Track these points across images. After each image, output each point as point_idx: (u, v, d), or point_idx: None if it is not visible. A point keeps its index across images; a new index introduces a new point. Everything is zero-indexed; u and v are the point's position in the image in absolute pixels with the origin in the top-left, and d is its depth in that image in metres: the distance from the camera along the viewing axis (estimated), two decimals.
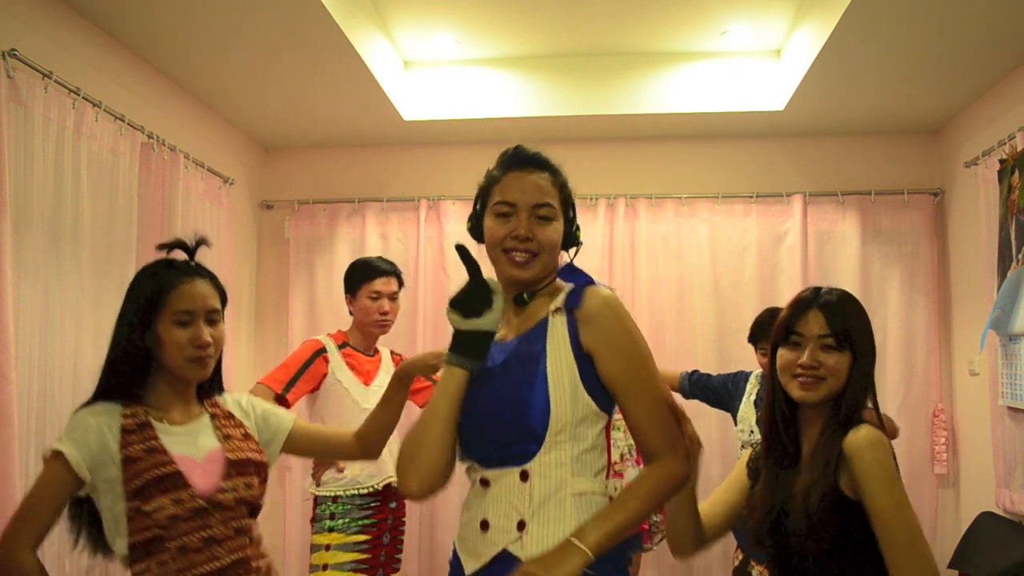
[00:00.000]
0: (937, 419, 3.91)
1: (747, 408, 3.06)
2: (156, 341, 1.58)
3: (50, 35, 2.70)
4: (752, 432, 3.02)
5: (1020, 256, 3.11)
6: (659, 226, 4.17)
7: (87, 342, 2.75)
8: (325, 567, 2.70)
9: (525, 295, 1.45)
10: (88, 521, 1.60)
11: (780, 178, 4.18)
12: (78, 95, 2.72)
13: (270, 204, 4.42)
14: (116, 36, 3.06)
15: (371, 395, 2.81)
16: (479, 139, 4.27)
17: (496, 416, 1.38)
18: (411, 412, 2.22)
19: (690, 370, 3.28)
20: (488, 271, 1.45)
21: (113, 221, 2.93)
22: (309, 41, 3.11)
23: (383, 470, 2.79)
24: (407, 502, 2.96)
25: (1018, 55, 3.20)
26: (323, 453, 1.84)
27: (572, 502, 1.34)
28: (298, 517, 4.04)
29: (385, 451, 2.73)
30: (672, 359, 4.06)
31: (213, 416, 1.68)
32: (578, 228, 1.51)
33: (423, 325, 4.14)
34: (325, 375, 2.83)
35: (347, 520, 2.73)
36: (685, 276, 4.12)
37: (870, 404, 1.55)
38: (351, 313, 2.93)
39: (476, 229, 1.50)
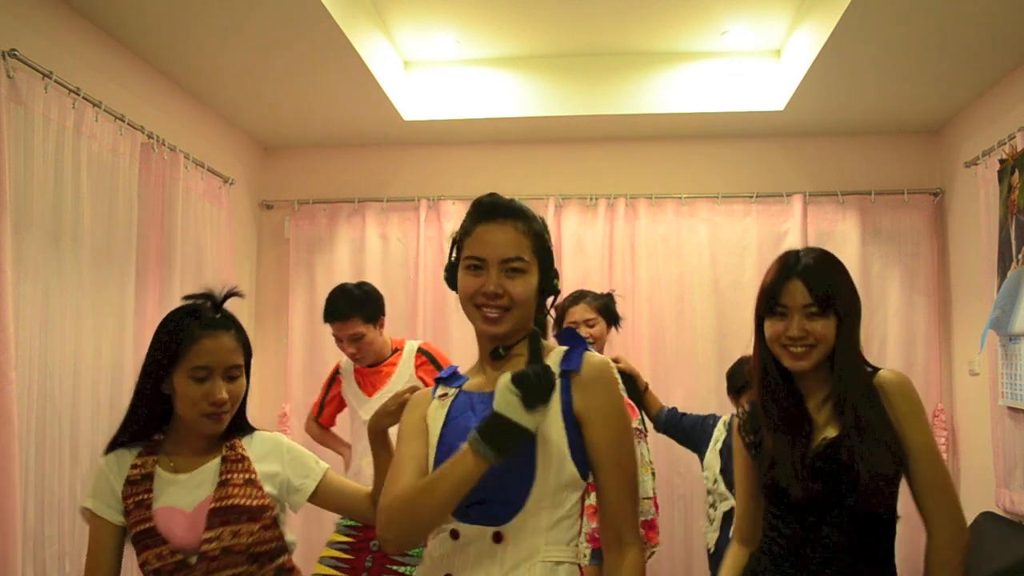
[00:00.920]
0: (937, 419, 3.91)
1: (712, 455, 3.02)
2: (173, 391, 1.59)
3: (50, 35, 2.70)
4: (716, 481, 2.99)
5: (1020, 256, 3.11)
6: (659, 226, 4.17)
7: (87, 342, 2.75)
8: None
9: (501, 350, 1.42)
10: None
11: (780, 178, 4.18)
12: (78, 95, 2.72)
13: (270, 204, 4.42)
14: (116, 36, 3.06)
15: (372, 405, 2.85)
16: (479, 139, 4.27)
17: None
18: None
19: (670, 406, 3.28)
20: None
21: (113, 221, 2.93)
22: (309, 41, 3.11)
23: (366, 483, 2.79)
24: None
25: (1018, 55, 3.20)
26: (346, 510, 1.78)
27: (542, 570, 1.31)
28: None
29: (366, 463, 2.78)
30: (672, 359, 4.07)
31: (224, 459, 1.65)
32: (556, 275, 1.45)
33: (423, 325, 4.14)
34: (340, 392, 3.07)
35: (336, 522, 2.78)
36: (685, 276, 4.12)
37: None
38: None
39: (451, 279, 1.46)
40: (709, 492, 3.01)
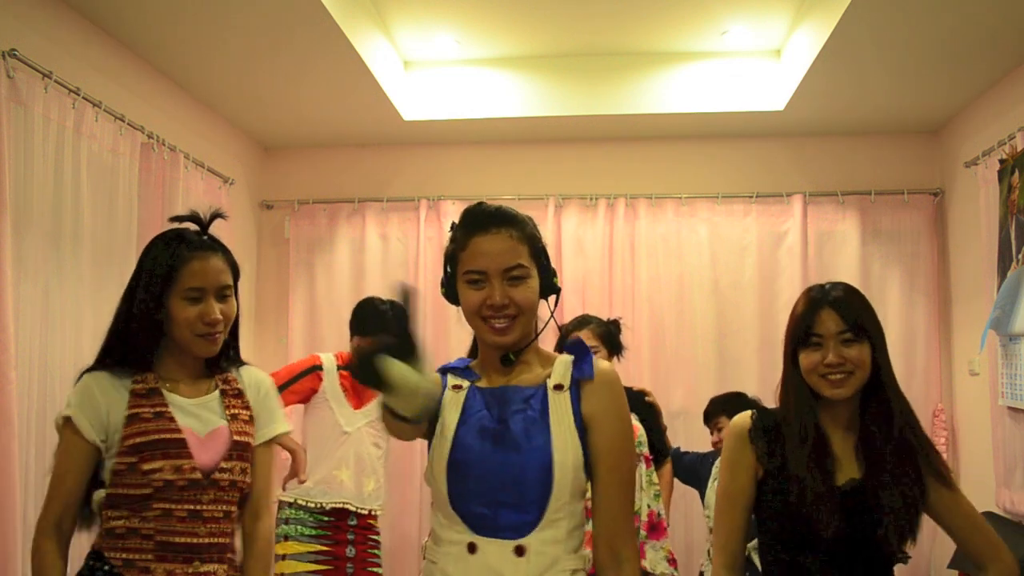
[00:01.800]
0: (937, 419, 3.91)
1: (712, 493, 3.00)
2: (166, 315, 1.59)
3: (50, 35, 2.70)
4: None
5: (1020, 256, 3.11)
6: (659, 226, 4.17)
7: (87, 342, 2.75)
8: None
9: (511, 355, 1.41)
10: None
11: (780, 178, 4.18)
12: (78, 95, 2.72)
13: (270, 204, 4.42)
14: (116, 36, 3.06)
15: (358, 418, 2.84)
16: (479, 139, 4.27)
17: (499, 477, 1.33)
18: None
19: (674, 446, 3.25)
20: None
21: (113, 221, 2.93)
22: (309, 41, 3.11)
23: (338, 493, 2.79)
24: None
25: (1018, 55, 3.20)
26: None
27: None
28: None
29: (344, 474, 2.77)
30: (672, 359, 4.07)
31: (223, 393, 1.67)
32: (554, 273, 1.45)
33: (423, 326, 4.13)
34: (315, 391, 2.85)
35: (299, 528, 2.74)
36: (685, 276, 4.12)
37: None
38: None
39: (451, 294, 1.45)
40: (711, 530, 2.96)
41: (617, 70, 3.92)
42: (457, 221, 1.45)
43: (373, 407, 2.85)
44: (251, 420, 1.68)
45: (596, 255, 4.17)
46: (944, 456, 3.85)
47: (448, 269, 1.45)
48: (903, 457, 1.55)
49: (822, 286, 1.65)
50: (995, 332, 3.24)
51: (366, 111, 3.87)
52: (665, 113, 3.90)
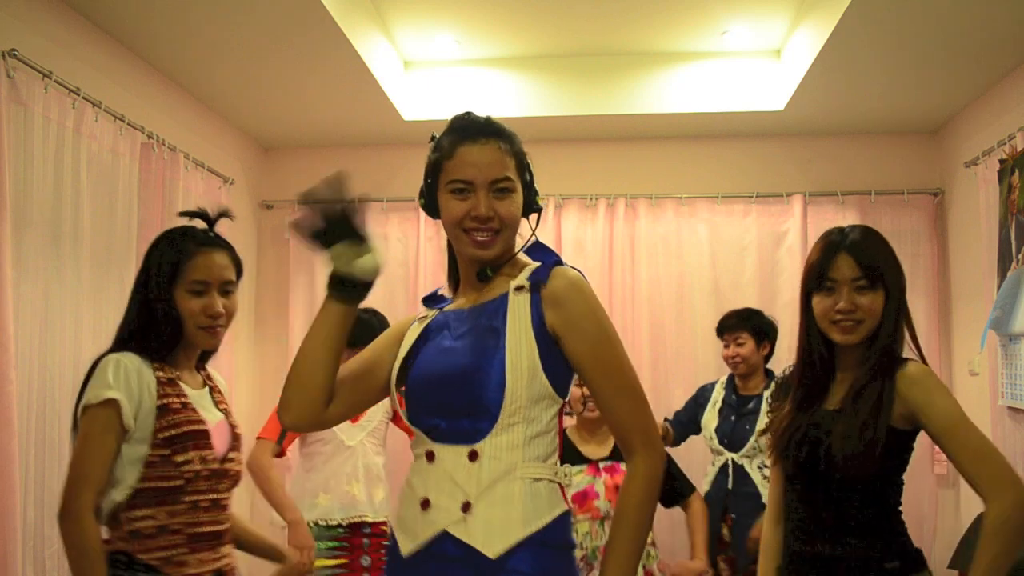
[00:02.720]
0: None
1: (711, 414, 3.11)
2: (173, 307, 1.64)
3: (50, 35, 2.70)
4: (711, 438, 3.06)
5: (1020, 256, 3.11)
6: (659, 226, 4.17)
7: (87, 342, 2.75)
8: None
9: (489, 271, 1.38)
10: None
11: (780, 178, 4.18)
12: (78, 95, 2.72)
13: (270, 204, 4.42)
14: (116, 36, 3.06)
15: (357, 431, 2.83)
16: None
17: (450, 385, 1.31)
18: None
19: (670, 417, 3.30)
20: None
21: (113, 221, 2.93)
22: (309, 41, 3.11)
23: (354, 507, 2.79)
24: None
25: (1018, 55, 3.20)
26: None
27: (521, 487, 1.28)
28: None
29: (356, 488, 2.77)
30: (672, 359, 4.07)
31: (211, 389, 1.75)
32: (536, 193, 1.43)
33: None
34: None
35: (317, 544, 2.73)
36: (685, 276, 4.12)
37: (912, 347, 1.61)
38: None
39: (430, 205, 1.41)
40: (713, 452, 3.11)
41: (617, 70, 3.92)
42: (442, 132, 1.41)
43: (370, 418, 2.86)
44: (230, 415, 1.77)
45: (596, 255, 4.16)
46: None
47: (429, 179, 1.41)
48: (872, 395, 1.54)
49: (842, 229, 1.64)
50: (995, 332, 3.24)
51: (366, 111, 3.87)
52: (665, 113, 3.90)
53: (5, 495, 2.26)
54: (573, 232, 4.19)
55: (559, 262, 1.38)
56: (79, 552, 1.50)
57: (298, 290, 4.30)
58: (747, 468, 2.96)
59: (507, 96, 3.95)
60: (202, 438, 1.61)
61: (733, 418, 3.05)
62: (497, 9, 3.45)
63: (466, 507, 1.26)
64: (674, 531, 3.99)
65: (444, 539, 1.26)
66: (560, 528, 1.31)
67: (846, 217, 4.10)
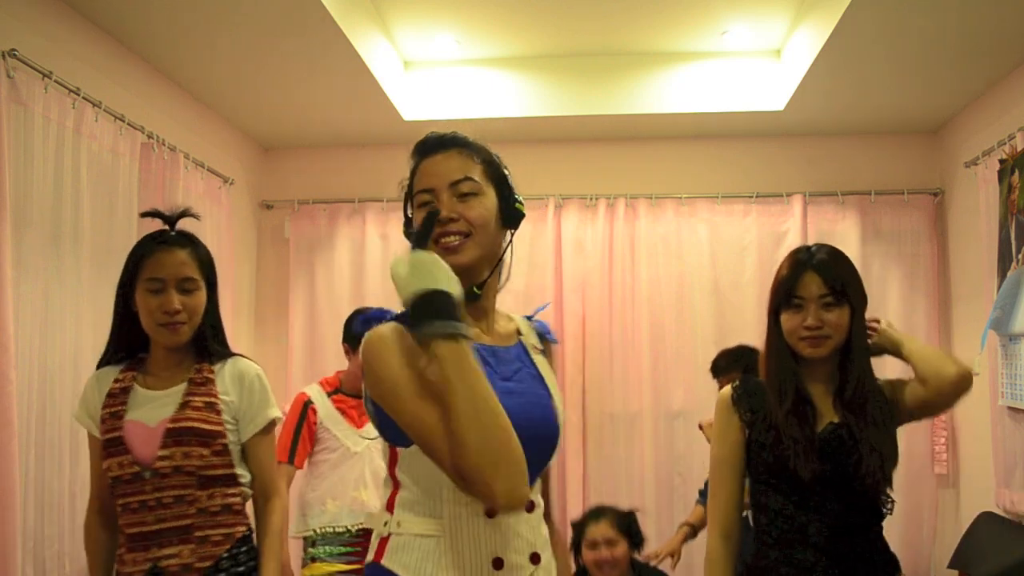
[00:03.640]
0: (937, 419, 3.91)
1: None
2: (137, 307, 1.72)
3: (50, 35, 2.70)
4: None
5: (1020, 256, 3.11)
6: (659, 226, 4.17)
7: (87, 342, 2.75)
8: None
9: (475, 288, 1.28)
10: None
11: (780, 178, 4.18)
12: (78, 95, 2.72)
13: (270, 204, 4.42)
14: (116, 36, 3.06)
15: (359, 437, 2.83)
16: (479, 139, 4.26)
17: (528, 434, 1.15)
18: None
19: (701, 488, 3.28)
20: None
21: (113, 221, 2.93)
22: (309, 41, 3.11)
23: (363, 512, 2.79)
24: None
25: (1018, 55, 3.20)
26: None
27: (544, 528, 1.32)
28: None
29: (365, 494, 2.77)
30: (672, 359, 4.07)
31: (191, 381, 1.74)
32: (519, 203, 1.34)
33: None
34: (316, 425, 2.84)
35: (327, 548, 2.75)
36: (685, 276, 4.12)
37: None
38: (349, 361, 2.89)
39: (408, 225, 1.36)
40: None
41: (617, 70, 3.92)
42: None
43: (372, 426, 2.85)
44: (208, 407, 1.73)
45: (596, 255, 4.16)
46: (944, 456, 3.87)
47: (408, 210, 1.37)
48: (876, 401, 1.64)
49: (808, 247, 1.70)
50: (995, 332, 3.24)
51: (366, 111, 3.87)
52: (665, 113, 3.90)
53: (5, 495, 2.26)
54: (573, 232, 4.19)
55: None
56: (85, 552, 1.75)
57: (298, 290, 4.30)
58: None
59: (507, 96, 3.95)
60: (115, 444, 1.68)
61: None
62: (497, 9, 3.45)
63: (535, 559, 1.26)
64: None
65: None
66: None
67: (846, 217, 4.10)
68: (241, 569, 1.72)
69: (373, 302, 3.82)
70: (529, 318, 1.44)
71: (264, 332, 4.36)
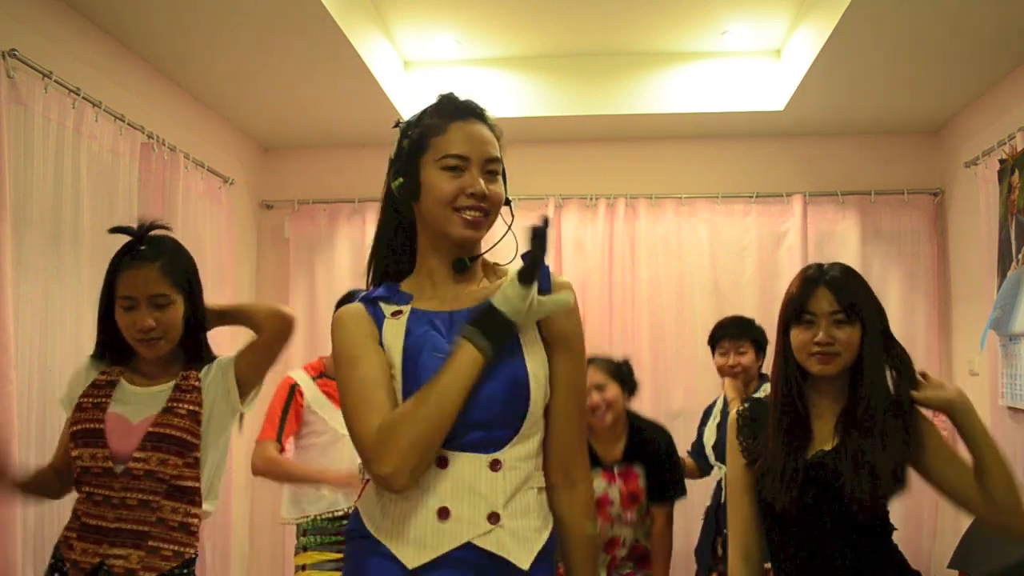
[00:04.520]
0: (937, 419, 3.89)
1: (710, 431, 3.06)
2: (112, 323, 1.74)
3: (50, 35, 2.70)
4: (711, 454, 3.06)
5: (1020, 256, 3.11)
6: (659, 226, 4.17)
7: (87, 342, 2.72)
8: None
9: (467, 260, 1.30)
10: None
11: (780, 178, 4.18)
12: (78, 95, 2.72)
13: (270, 204, 4.42)
14: (116, 36, 3.06)
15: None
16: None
17: (489, 399, 1.22)
18: None
19: (688, 449, 3.24)
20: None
21: (113, 221, 2.89)
22: (309, 41, 3.11)
23: (356, 493, 2.76)
24: None
25: (1018, 55, 3.20)
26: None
27: (534, 497, 1.26)
28: None
29: (361, 474, 2.76)
30: (672, 359, 4.07)
31: (177, 387, 1.76)
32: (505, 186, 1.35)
33: None
34: (303, 407, 2.82)
35: (319, 537, 2.73)
36: (685, 276, 4.13)
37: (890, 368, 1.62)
38: None
39: (410, 185, 1.32)
40: (713, 465, 3.09)
41: (617, 70, 3.92)
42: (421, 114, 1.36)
43: None
44: (190, 415, 1.73)
45: (596, 255, 4.17)
46: None
47: (408, 161, 1.34)
48: (890, 424, 1.57)
49: (820, 265, 1.68)
50: (995, 332, 3.24)
51: (366, 111, 3.87)
52: (665, 113, 3.90)
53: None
54: (573, 232, 4.19)
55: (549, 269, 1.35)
56: None
57: (298, 290, 4.30)
58: None
59: (507, 96, 3.95)
60: (93, 435, 1.68)
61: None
62: (497, 9, 3.45)
63: (493, 518, 1.21)
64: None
65: (466, 550, 1.21)
66: (555, 538, 1.32)
67: (846, 217, 4.10)
68: None
69: None
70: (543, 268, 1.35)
71: None
